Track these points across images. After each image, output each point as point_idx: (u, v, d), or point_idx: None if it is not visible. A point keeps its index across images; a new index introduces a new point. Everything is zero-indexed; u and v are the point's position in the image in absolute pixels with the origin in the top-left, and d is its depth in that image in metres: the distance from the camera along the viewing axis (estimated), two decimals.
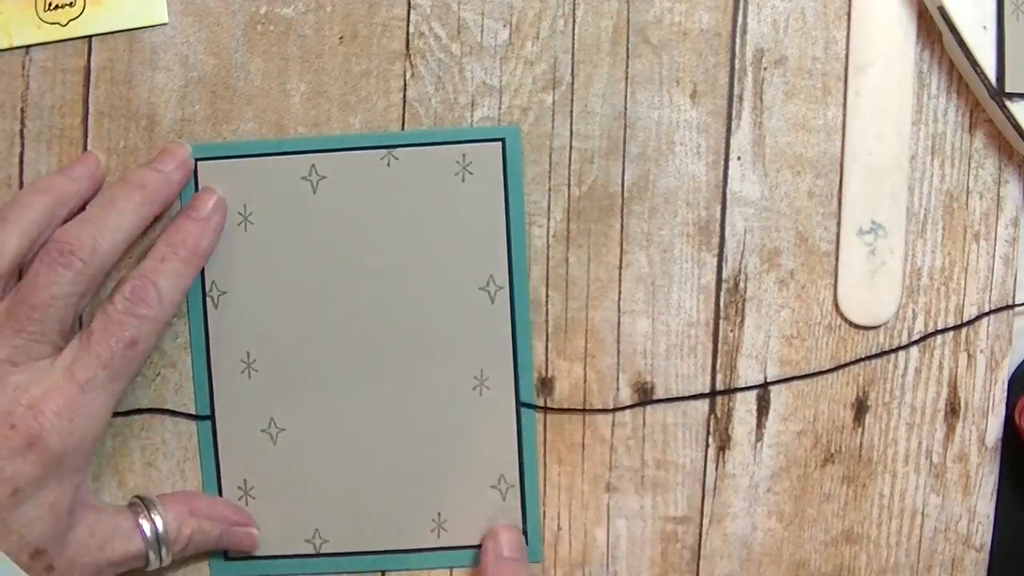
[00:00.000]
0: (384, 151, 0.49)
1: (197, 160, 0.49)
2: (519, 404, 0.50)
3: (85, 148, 0.49)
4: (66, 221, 0.47)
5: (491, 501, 0.51)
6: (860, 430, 0.51)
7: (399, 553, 0.51)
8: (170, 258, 0.47)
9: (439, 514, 0.51)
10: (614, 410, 0.51)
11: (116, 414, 0.50)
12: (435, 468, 0.50)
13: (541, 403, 0.51)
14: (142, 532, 0.47)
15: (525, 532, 0.51)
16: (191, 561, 0.51)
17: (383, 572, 0.51)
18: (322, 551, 0.51)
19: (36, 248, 0.47)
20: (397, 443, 0.50)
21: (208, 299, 0.50)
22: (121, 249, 0.47)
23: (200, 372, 0.50)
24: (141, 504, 0.48)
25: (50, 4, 0.49)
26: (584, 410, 0.51)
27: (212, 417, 0.50)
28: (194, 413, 0.50)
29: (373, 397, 0.50)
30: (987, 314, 0.51)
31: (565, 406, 0.51)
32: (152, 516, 0.48)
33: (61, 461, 0.44)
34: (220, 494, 0.50)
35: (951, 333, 0.51)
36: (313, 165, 0.49)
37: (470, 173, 0.49)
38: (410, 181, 0.49)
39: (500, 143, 0.49)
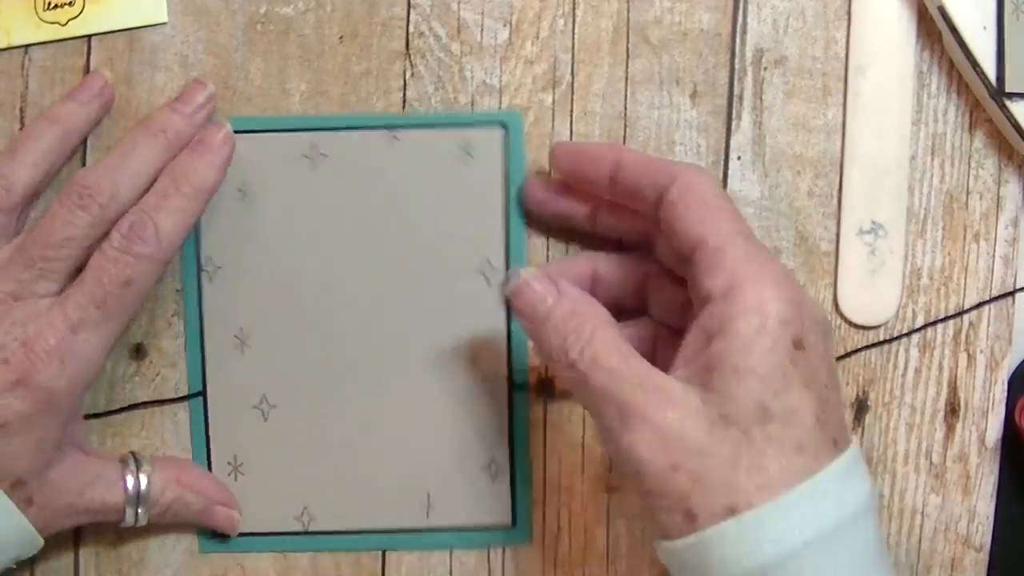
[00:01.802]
0: (387, 132, 0.49)
1: None
2: (512, 386, 0.50)
3: (85, 148, 0.49)
4: (78, 146, 0.48)
5: (481, 483, 0.50)
6: (860, 430, 0.51)
7: (388, 533, 0.51)
8: (172, 194, 0.46)
9: (428, 495, 0.50)
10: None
11: (110, 412, 0.50)
12: (426, 448, 0.50)
13: (541, 402, 0.51)
14: (125, 485, 0.47)
15: (514, 514, 0.51)
16: (172, 531, 0.50)
17: (384, 552, 0.51)
18: (310, 529, 0.51)
19: (49, 179, 0.48)
20: (388, 422, 0.50)
21: (203, 273, 0.50)
22: (140, 194, 0.46)
23: (193, 347, 0.50)
24: (132, 459, 0.48)
25: (49, 3, 0.49)
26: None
27: (203, 393, 0.50)
28: (184, 394, 0.50)
29: (365, 376, 0.50)
30: (988, 302, 0.51)
31: (565, 406, 0.51)
32: (139, 473, 0.48)
33: (51, 400, 0.44)
34: (210, 470, 0.50)
35: (951, 333, 0.51)
36: (314, 143, 0.49)
37: (471, 156, 0.49)
38: (411, 162, 0.49)
39: (502, 128, 0.50)
